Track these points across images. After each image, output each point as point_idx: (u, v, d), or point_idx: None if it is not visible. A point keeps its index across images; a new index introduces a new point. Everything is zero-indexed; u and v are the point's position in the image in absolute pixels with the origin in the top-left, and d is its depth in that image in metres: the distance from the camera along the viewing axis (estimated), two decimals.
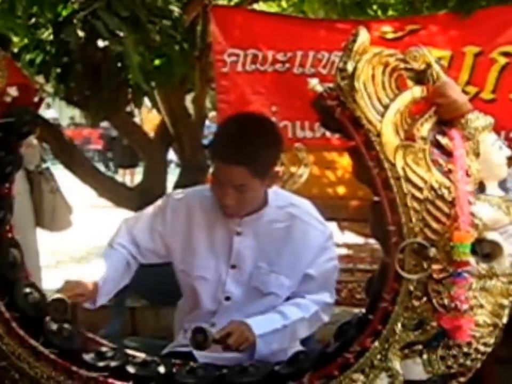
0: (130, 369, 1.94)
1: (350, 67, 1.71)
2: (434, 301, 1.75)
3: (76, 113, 18.11)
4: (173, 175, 5.42)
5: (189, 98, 5.33)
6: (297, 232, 2.17)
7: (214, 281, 2.21)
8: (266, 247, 2.18)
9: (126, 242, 2.29)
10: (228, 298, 2.21)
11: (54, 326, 2.00)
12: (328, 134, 4.13)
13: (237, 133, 2.08)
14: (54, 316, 1.99)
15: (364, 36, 1.73)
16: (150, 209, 2.33)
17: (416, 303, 1.76)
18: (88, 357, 1.97)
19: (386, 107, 1.73)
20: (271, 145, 2.11)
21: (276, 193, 2.24)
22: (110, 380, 1.91)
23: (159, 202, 2.32)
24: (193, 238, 2.22)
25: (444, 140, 1.76)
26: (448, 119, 1.78)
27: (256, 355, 2.07)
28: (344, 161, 4.16)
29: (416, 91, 1.74)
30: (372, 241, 4.04)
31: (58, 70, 3.60)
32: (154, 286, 2.61)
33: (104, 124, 20.55)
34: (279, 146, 2.16)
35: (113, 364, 1.96)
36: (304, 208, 2.24)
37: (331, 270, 2.23)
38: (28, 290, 2.03)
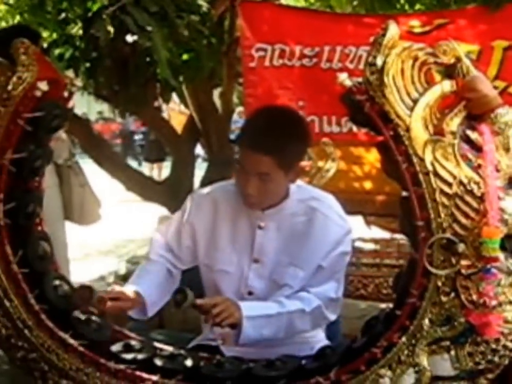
0: (158, 362, 1.96)
1: (379, 61, 1.70)
2: (462, 296, 1.74)
3: (104, 107, 18.25)
4: (200, 169, 5.43)
5: (216, 93, 5.34)
6: (318, 226, 2.17)
7: (236, 275, 2.21)
8: (288, 240, 2.18)
9: (162, 251, 2.31)
10: (250, 293, 2.21)
11: (83, 318, 2.02)
12: (355, 129, 4.12)
13: (265, 123, 2.09)
14: (79, 304, 2.01)
15: (393, 29, 1.72)
16: (177, 214, 2.35)
17: (444, 298, 1.75)
18: (116, 349, 2.00)
19: (415, 101, 1.72)
20: (299, 138, 2.11)
21: (298, 186, 2.24)
22: (137, 372, 1.93)
23: (184, 203, 2.33)
24: (216, 233, 2.23)
25: (473, 135, 1.75)
26: (477, 113, 1.76)
27: (244, 337, 2.05)
28: (371, 157, 4.15)
29: (445, 85, 1.73)
30: (398, 236, 4.03)
31: (87, 65, 3.62)
32: (182, 279, 2.61)
33: (120, 119, 20.79)
34: (307, 141, 2.16)
35: (140, 356, 1.98)
36: (326, 202, 2.23)
37: (341, 263, 2.21)
38: (57, 282, 2.06)
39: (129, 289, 2.16)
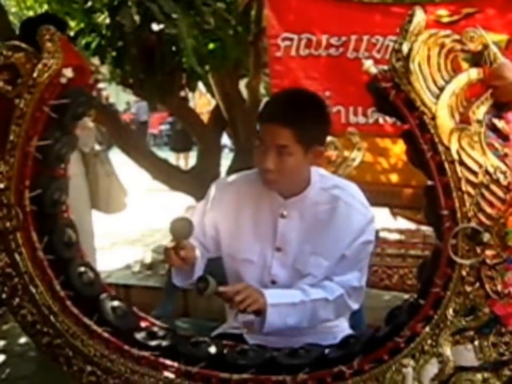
0: (181, 349, 1.97)
1: (405, 48, 1.68)
2: (487, 286, 1.72)
3: (132, 98, 18.33)
4: (226, 160, 5.44)
5: (243, 84, 5.34)
6: (340, 215, 2.15)
7: (259, 264, 2.21)
8: (310, 229, 2.17)
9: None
10: (274, 282, 2.21)
11: (108, 305, 2.04)
12: (381, 120, 4.09)
13: (285, 99, 2.13)
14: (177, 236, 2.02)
15: (420, 16, 1.70)
16: (201, 203, 2.35)
17: (468, 288, 1.73)
18: (140, 336, 2.01)
19: (441, 89, 1.70)
20: (318, 117, 2.11)
21: (320, 175, 2.23)
22: (161, 359, 1.94)
23: (208, 192, 2.33)
24: (239, 222, 2.23)
25: (500, 123, 1.73)
26: (504, 101, 1.74)
27: (268, 325, 2.05)
28: (398, 149, 4.12)
29: (472, 73, 1.71)
30: (424, 227, 3.99)
31: (114, 54, 3.64)
32: (207, 268, 2.62)
33: (134, 109, 20.78)
34: (326, 124, 2.15)
35: (164, 343, 1.99)
36: (348, 190, 2.22)
37: (364, 252, 2.19)
38: (82, 269, 2.08)
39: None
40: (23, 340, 4.20)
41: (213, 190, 2.32)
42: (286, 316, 2.08)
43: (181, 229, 2.02)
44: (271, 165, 2.06)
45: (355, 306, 2.21)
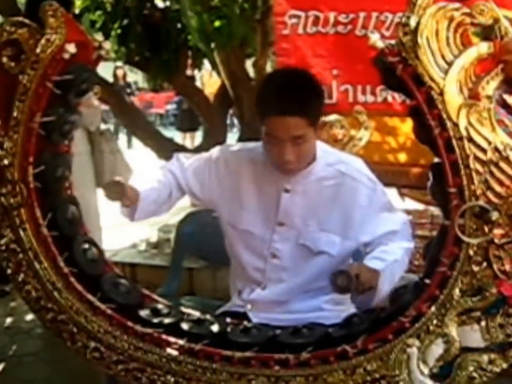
0: (185, 327, 1.96)
1: (413, 22, 1.65)
2: (495, 266, 1.70)
3: (139, 78, 18.28)
4: (233, 139, 5.42)
5: (250, 63, 5.30)
6: (347, 190, 2.14)
7: (260, 237, 2.20)
8: (316, 205, 2.15)
9: (177, 171, 2.31)
10: (274, 256, 2.19)
11: (111, 282, 2.03)
12: (389, 99, 4.04)
13: (286, 86, 2.04)
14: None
15: None
16: (204, 155, 2.33)
17: (475, 268, 1.71)
18: (143, 313, 2.01)
19: (450, 64, 1.67)
20: (318, 93, 2.08)
21: (324, 150, 2.21)
22: (164, 336, 1.93)
23: (214, 151, 2.32)
24: (242, 192, 2.22)
25: (510, 99, 1.69)
26: None
27: (378, 297, 2.01)
28: (406, 128, 4.07)
29: (482, 47, 1.67)
30: (432, 208, 3.97)
31: (119, 31, 3.61)
32: (212, 247, 2.61)
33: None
34: (323, 94, 2.13)
35: (167, 320, 1.98)
36: (354, 165, 2.20)
37: (405, 222, 2.24)
38: (86, 246, 2.07)
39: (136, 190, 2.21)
40: (29, 317, 4.21)
41: (216, 152, 2.30)
42: (389, 282, 2.04)
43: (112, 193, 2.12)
44: (292, 156, 2.04)
45: (411, 244, 2.22)
